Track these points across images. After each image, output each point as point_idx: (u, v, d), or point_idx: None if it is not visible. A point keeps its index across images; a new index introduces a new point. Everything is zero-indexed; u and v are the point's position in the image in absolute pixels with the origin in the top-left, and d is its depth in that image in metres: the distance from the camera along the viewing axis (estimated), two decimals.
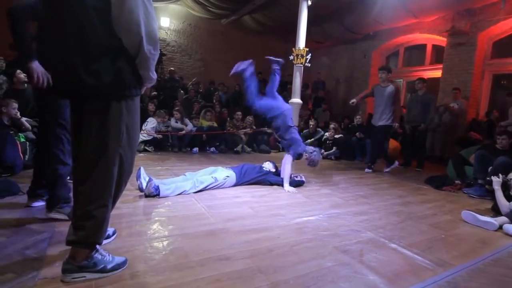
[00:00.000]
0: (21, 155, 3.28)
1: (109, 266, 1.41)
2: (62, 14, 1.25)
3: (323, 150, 6.35)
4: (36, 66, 1.81)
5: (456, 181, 4.02)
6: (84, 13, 1.22)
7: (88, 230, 1.34)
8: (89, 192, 1.34)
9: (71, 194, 2.03)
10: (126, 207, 2.34)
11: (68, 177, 2.10)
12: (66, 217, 1.99)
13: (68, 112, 2.04)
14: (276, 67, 4.09)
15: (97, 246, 1.41)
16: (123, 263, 1.47)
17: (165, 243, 1.80)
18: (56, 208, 2.00)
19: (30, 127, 3.72)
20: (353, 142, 6.26)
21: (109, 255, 1.44)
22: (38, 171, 2.17)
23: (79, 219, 1.35)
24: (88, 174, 1.33)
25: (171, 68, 8.38)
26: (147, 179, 2.74)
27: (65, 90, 1.36)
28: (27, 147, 3.46)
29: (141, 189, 2.72)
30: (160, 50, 8.82)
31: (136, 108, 1.42)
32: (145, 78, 1.40)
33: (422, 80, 5.50)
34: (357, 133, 6.27)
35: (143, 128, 5.45)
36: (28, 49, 1.84)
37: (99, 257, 1.40)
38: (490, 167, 3.37)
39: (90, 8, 1.22)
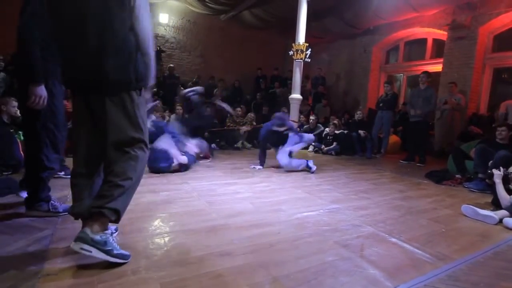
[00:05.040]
0: (21, 153, 3.28)
1: (115, 252, 1.43)
2: (82, 15, 1.36)
3: (323, 146, 6.35)
4: (41, 91, 1.84)
5: (457, 176, 4.03)
6: (104, 14, 1.36)
7: (112, 196, 1.40)
8: (117, 171, 1.44)
9: (50, 193, 2.10)
10: None
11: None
12: (43, 214, 2.02)
13: (60, 117, 2.08)
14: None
15: (113, 229, 1.49)
16: (127, 256, 1.50)
17: (166, 239, 1.81)
18: (35, 206, 2.04)
19: None
20: (354, 138, 6.25)
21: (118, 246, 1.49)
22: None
23: (107, 190, 1.42)
24: (116, 159, 1.45)
25: (171, 65, 8.36)
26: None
27: (88, 86, 1.46)
28: None
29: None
30: (159, 46, 8.75)
31: (144, 101, 1.56)
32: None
33: (427, 74, 5.45)
34: (362, 132, 6.20)
35: None
36: (39, 73, 1.83)
37: (111, 239, 1.44)
38: (491, 161, 3.37)
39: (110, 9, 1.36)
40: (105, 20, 1.35)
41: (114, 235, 1.73)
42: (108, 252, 1.40)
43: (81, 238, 1.37)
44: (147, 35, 1.44)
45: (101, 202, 1.40)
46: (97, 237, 1.38)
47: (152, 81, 1.57)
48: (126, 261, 1.47)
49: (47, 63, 1.88)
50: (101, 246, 1.39)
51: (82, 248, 1.36)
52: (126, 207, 1.48)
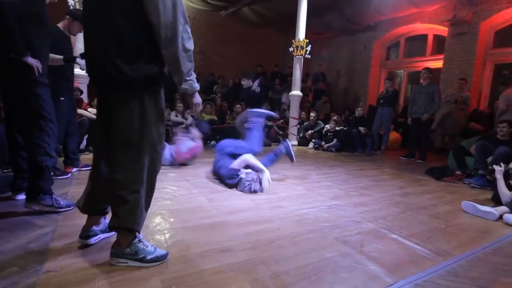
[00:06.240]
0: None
1: (148, 257, 1.45)
2: (100, 17, 1.34)
3: (323, 142, 6.35)
4: (31, 59, 1.93)
5: (457, 172, 4.03)
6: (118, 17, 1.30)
7: (122, 215, 1.41)
8: (122, 178, 1.40)
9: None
10: None
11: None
12: (46, 208, 2.01)
13: (51, 106, 2.08)
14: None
15: (140, 236, 1.48)
16: (163, 256, 1.50)
17: (167, 235, 1.81)
18: (38, 199, 2.01)
19: None
20: (354, 134, 6.25)
21: (152, 246, 1.50)
22: (19, 164, 2.20)
23: (114, 205, 1.44)
24: (119, 161, 1.40)
25: None
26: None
27: (104, 82, 1.42)
28: None
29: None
30: None
31: (162, 101, 1.47)
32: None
33: (428, 70, 5.41)
34: (362, 129, 6.18)
35: None
36: (22, 45, 1.90)
37: (141, 246, 1.46)
38: (490, 157, 3.38)
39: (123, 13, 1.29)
40: (113, 13, 1.29)
41: (140, 238, 1.61)
42: (141, 260, 1.44)
43: (114, 254, 1.45)
44: (168, 30, 1.27)
45: (115, 223, 1.43)
46: (127, 249, 1.44)
47: (177, 81, 1.40)
48: (163, 261, 1.49)
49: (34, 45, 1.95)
50: (133, 256, 1.44)
51: (118, 262, 1.44)
52: (140, 219, 1.45)
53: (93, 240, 1.63)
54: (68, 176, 2.98)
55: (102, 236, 1.67)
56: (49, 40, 2.16)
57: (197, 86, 1.44)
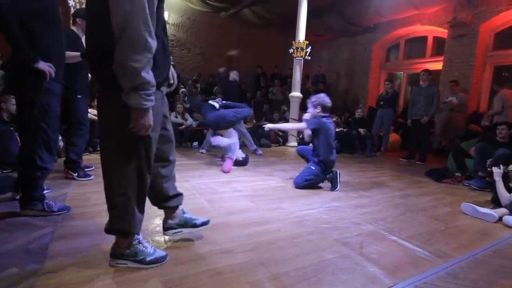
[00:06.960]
0: None
1: (147, 259, 1.45)
2: (95, 16, 1.31)
3: None
4: (42, 64, 1.87)
5: (456, 174, 4.03)
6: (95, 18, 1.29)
7: (113, 218, 1.42)
8: (109, 181, 1.40)
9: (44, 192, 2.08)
10: None
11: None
12: (38, 214, 1.99)
13: (55, 116, 2.03)
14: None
15: (140, 237, 1.48)
16: (163, 258, 1.50)
17: (166, 237, 1.80)
18: (29, 206, 1.99)
19: None
20: (354, 136, 6.25)
21: (151, 247, 1.50)
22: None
23: (107, 207, 1.43)
24: (105, 163, 1.40)
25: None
26: None
27: (98, 80, 1.38)
28: None
29: None
30: None
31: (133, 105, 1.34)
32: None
33: (427, 71, 5.42)
34: (362, 130, 6.18)
35: None
36: (28, 51, 1.84)
37: (141, 248, 1.46)
38: (489, 159, 3.38)
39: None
40: (105, 12, 1.21)
41: (139, 240, 1.58)
42: (141, 262, 1.44)
43: (113, 255, 1.45)
44: (120, 31, 1.14)
45: (108, 226, 1.44)
46: (127, 251, 1.44)
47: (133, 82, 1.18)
48: (162, 262, 1.49)
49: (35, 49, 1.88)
50: (133, 257, 1.44)
51: (117, 263, 1.44)
52: (132, 222, 1.41)
53: (171, 233, 1.70)
54: (91, 178, 2.97)
55: (183, 230, 1.72)
56: (63, 38, 2.06)
57: (146, 103, 1.20)
